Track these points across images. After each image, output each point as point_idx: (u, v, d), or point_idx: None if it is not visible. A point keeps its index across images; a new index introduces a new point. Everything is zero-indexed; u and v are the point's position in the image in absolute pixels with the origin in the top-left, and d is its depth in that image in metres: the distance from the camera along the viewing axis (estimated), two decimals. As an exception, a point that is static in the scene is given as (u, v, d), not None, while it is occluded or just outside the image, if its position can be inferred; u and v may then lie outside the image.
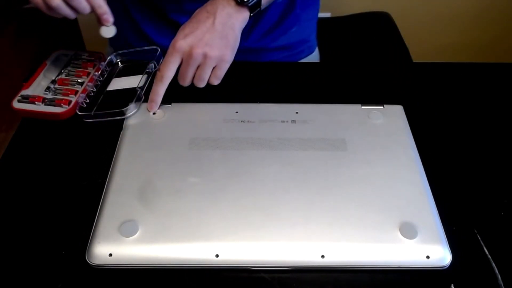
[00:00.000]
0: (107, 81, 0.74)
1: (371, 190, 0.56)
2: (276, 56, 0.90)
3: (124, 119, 0.66)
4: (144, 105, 0.68)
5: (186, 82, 0.67)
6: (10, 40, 2.27)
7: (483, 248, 0.54)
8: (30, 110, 0.69)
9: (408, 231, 0.52)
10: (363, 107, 0.67)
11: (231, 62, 0.67)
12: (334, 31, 1.19)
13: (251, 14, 0.68)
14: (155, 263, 0.51)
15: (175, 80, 0.77)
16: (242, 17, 0.67)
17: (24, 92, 0.71)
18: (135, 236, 0.51)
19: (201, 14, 0.66)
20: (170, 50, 0.65)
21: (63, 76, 0.74)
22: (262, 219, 0.53)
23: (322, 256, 0.51)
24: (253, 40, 0.87)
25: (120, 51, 0.78)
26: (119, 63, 0.78)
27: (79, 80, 0.73)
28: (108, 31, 0.67)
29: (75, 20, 1.58)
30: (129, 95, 0.68)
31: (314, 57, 0.95)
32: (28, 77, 0.73)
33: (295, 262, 0.51)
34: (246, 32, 0.84)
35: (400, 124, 0.66)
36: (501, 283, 0.51)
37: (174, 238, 0.51)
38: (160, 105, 0.67)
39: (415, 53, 1.14)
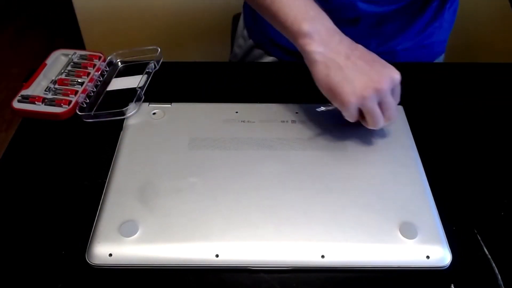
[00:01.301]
0: (107, 81, 0.74)
1: (371, 190, 0.56)
2: (415, 54, 0.88)
3: (124, 119, 0.66)
4: (144, 105, 0.68)
5: None
6: (10, 40, 2.27)
7: (483, 248, 0.54)
8: (30, 110, 0.69)
9: (408, 231, 0.52)
10: (363, 107, 0.67)
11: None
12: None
13: None
14: (155, 263, 0.51)
15: (174, 80, 0.77)
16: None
17: (24, 92, 0.71)
18: (135, 236, 0.51)
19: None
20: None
21: (63, 76, 0.74)
22: (262, 219, 0.53)
23: (322, 256, 0.51)
24: (403, 42, 0.85)
25: (120, 51, 0.78)
26: (119, 63, 0.78)
27: (79, 80, 0.73)
28: None
29: (75, 20, 1.57)
30: (129, 95, 0.68)
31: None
32: (28, 77, 0.73)
33: (295, 262, 0.51)
34: (397, 35, 0.83)
35: (400, 124, 0.66)
36: (501, 283, 0.51)
37: (174, 238, 0.51)
38: (160, 105, 0.67)
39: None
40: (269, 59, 0.90)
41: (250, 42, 0.91)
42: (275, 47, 0.88)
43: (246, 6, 0.93)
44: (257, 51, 0.91)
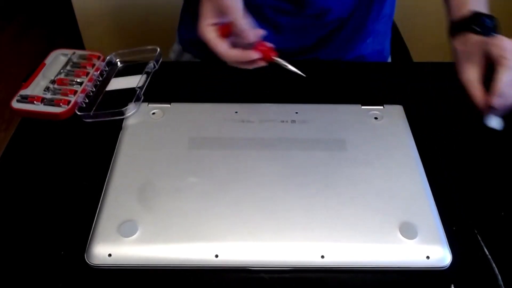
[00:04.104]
0: (107, 81, 0.74)
1: (371, 190, 0.56)
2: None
3: (123, 119, 0.66)
4: (143, 105, 0.68)
5: None
6: (9, 40, 2.27)
7: (483, 248, 0.54)
8: (29, 110, 0.69)
9: (408, 231, 0.52)
10: (363, 107, 0.67)
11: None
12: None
13: None
14: (154, 263, 0.51)
15: (174, 80, 0.77)
16: None
17: (23, 92, 0.70)
18: (134, 236, 0.51)
19: None
20: None
21: (62, 76, 0.74)
22: (262, 219, 0.53)
23: (322, 256, 0.50)
24: (328, 53, 0.86)
25: (120, 51, 0.78)
26: (119, 63, 0.78)
27: (78, 80, 0.73)
28: (496, 122, 0.59)
29: (75, 20, 1.57)
30: (128, 95, 0.68)
31: None
32: (27, 77, 0.73)
33: (295, 262, 0.51)
34: (322, 46, 0.85)
35: (400, 124, 0.66)
36: (501, 283, 0.51)
37: (174, 238, 0.51)
38: (159, 105, 0.67)
39: (415, 53, 1.14)
40: (197, 61, 0.92)
41: (180, 46, 0.94)
42: (202, 49, 0.90)
43: (182, 10, 0.95)
44: (187, 55, 0.92)
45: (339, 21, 0.83)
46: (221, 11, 0.60)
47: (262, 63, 0.63)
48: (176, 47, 0.95)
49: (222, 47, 0.60)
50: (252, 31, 0.60)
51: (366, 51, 0.88)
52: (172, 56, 0.96)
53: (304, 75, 0.61)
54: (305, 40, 0.83)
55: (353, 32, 0.85)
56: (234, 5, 0.60)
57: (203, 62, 0.93)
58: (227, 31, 0.60)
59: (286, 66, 0.62)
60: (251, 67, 0.63)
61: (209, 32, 0.60)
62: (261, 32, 0.60)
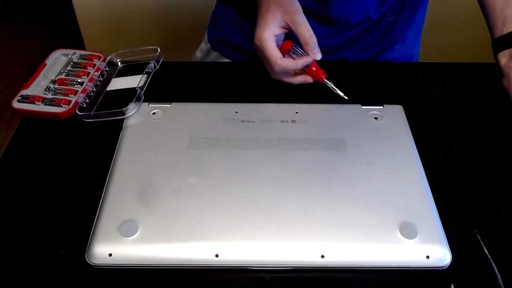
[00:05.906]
0: (107, 81, 0.74)
1: (371, 190, 0.56)
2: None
3: (123, 119, 0.66)
4: (144, 105, 0.68)
5: None
6: (10, 39, 2.27)
7: (483, 248, 0.54)
8: (30, 110, 0.69)
9: (408, 231, 0.52)
10: (363, 107, 0.67)
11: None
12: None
13: None
14: (155, 263, 0.51)
15: (174, 80, 0.77)
16: None
17: (24, 92, 0.71)
18: (135, 236, 0.51)
19: None
20: None
21: (63, 76, 0.74)
22: (262, 219, 0.53)
23: (322, 256, 0.51)
24: (356, 55, 0.87)
25: (120, 51, 0.78)
26: (119, 63, 0.78)
27: (79, 80, 0.73)
28: None
29: (75, 20, 1.57)
30: (129, 95, 0.68)
31: None
32: (28, 77, 0.73)
33: (295, 262, 0.51)
34: (349, 48, 0.86)
35: (400, 124, 0.66)
36: (501, 283, 0.51)
37: (174, 238, 0.51)
38: (160, 105, 0.67)
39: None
40: (224, 60, 0.92)
41: (208, 45, 0.94)
42: (230, 48, 0.90)
43: (214, 10, 0.95)
44: (214, 53, 0.93)
45: (366, 24, 0.83)
46: (291, 26, 0.65)
47: (309, 80, 0.68)
48: (204, 46, 0.96)
49: (277, 55, 0.65)
50: (319, 50, 0.65)
51: (394, 57, 0.88)
52: (198, 55, 0.97)
53: (347, 98, 0.67)
54: (332, 40, 0.83)
55: (381, 36, 0.86)
56: (306, 23, 0.64)
57: (203, 62, 0.94)
58: (284, 49, 0.66)
59: (334, 89, 0.68)
60: (296, 82, 0.68)
61: (271, 41, 0.65)
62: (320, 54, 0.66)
